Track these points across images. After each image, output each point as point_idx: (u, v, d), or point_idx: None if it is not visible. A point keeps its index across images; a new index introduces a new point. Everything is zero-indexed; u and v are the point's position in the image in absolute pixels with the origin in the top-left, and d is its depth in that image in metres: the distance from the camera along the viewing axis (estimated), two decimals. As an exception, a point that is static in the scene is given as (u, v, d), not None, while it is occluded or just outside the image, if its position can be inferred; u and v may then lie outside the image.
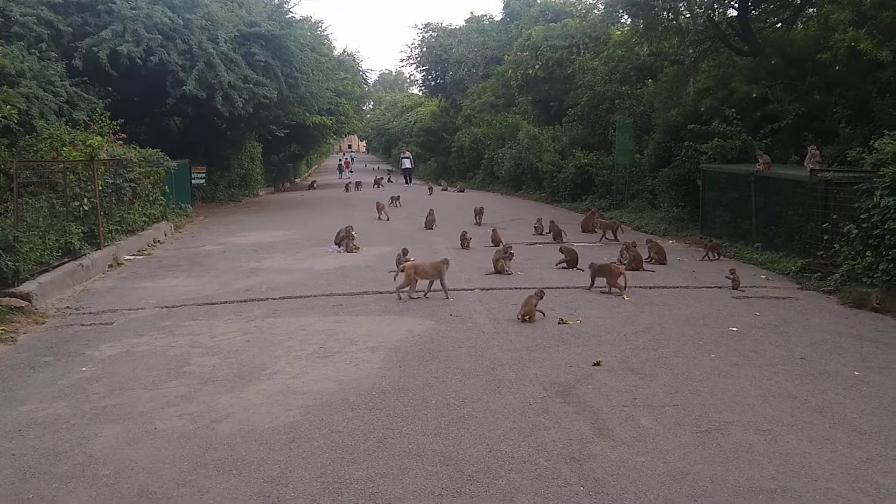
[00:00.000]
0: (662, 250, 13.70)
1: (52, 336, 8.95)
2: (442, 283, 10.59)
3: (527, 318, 9.08)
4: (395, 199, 25.12)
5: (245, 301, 10.62)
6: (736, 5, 18.91)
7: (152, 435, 5.74)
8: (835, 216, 11.81)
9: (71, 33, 20.01)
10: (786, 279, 12.09)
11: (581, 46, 33.48)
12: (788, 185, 13.89)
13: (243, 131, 30.41)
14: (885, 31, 14.33)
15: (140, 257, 14.95)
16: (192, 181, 24.87)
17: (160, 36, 20.47)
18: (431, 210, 19.54)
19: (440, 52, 49.73)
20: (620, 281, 10.83)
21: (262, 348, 8.13)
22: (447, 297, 10.43)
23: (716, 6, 20.04)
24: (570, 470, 4.96)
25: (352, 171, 63.68)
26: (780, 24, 21.02)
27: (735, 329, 8.74)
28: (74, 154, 13.47)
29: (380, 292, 11.01)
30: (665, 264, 13.25)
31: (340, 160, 67.24)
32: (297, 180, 51.70)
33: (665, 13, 20.31)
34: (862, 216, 10.92)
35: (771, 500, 4.52)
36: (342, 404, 6.32)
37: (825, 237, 12.01)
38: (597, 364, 7.30)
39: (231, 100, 21.76)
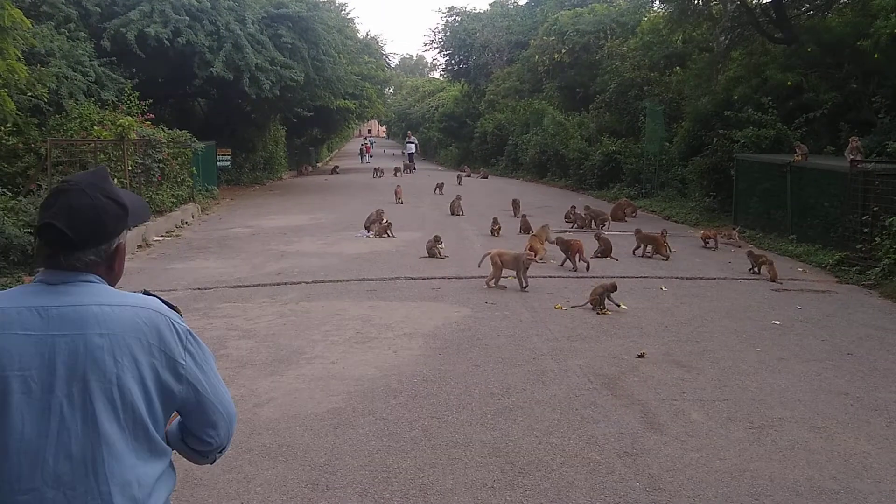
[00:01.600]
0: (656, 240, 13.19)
1: (85, 316, 8.89)
2: (522, 275, 10.10)
3: (592, 306, 8.96)
4: (439, 185, 24.49)
5: (278, 284, 10.55)
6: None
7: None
8: (875, 208, 11.59)
9: (99, 13, 19.98)
10: (823, 272, 11.89)
11: (608, 32, 33.13)
12: (825, 176, 13.66)
13: (268, 114, 30.35)
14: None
15: (169, 238, 14.92)
16: (218, 163, 24.82)
17: (187, 17, 20.40)
18: (458, 196, 19.40)
19: (464, 36, 49.37)
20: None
21: (298, 332, 8.05)
22: (523, 289, 10.17)
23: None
24: (623, 465, 4.84)
25: (371, 156, 63.55)
26: (813, 11, 20.66)
27: (778, 322, 8.57)
28: (105, 134, 13.44)
29: (412, 278, 10.91)
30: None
31: (361, 145, 67.07)
32: (318, 164, 51.59)
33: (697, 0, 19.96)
34: (908, 209, 10.71)
35: (834, 501, 4.39)
36: (384, 391, 6.22)
37: (864, 230, 11.78)
38: (641, 356, 7.17)
39: (258, 82, 21.66)
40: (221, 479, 4.68)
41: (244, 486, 4.60)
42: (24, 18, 11.30)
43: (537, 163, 32.76)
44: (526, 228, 15.12)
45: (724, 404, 5.95)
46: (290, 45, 22.73)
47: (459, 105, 53.38)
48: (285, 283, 10.60)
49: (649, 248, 12.88)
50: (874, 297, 10.17)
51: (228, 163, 26.54)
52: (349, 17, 30.90)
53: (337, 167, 40.38)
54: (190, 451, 2.26)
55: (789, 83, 16.98)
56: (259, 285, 10.50)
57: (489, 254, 10.38)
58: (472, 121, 47.93)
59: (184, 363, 2.05)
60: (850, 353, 7.40)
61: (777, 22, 19.36)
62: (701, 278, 11.17)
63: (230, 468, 4.82)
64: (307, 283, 10.65)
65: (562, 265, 11.99)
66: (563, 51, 34.42)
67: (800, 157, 14.00)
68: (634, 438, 5.26)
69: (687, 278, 11.10)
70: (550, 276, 11.08)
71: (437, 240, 12.67)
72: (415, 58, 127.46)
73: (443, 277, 10.92)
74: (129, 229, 2.21)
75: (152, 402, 1.99)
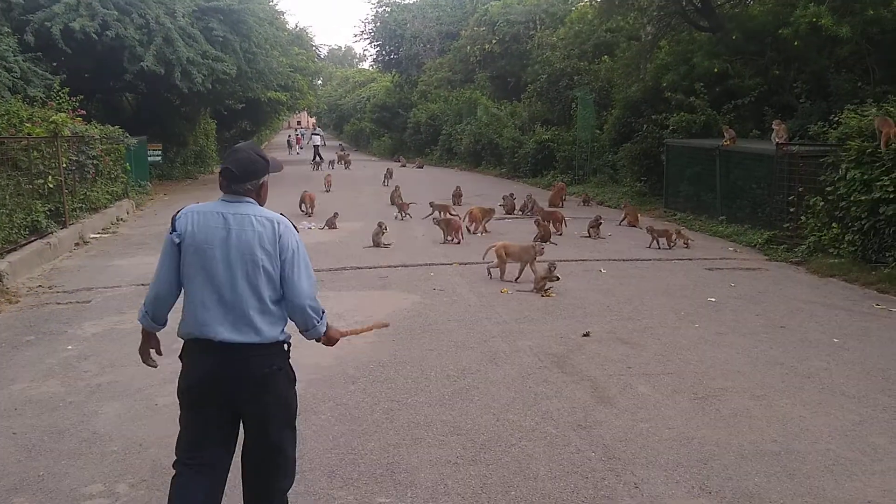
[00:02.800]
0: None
1: (29, 315, 8.79)
2: (533, 266, 9.85)
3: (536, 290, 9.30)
4: (388, 174, 24.67)
5: (223, 278, 10.52)
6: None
7: (154, 411, 5.72)
8: (800, 189, 12.13)
9: (22, 6, 19.44)
10: (753, 251, 12.40)
11: (538, 22, 33.56)
12: (752, 159, 14.21)
13: (198, 107, 29.99)
14: (844, 8, 14.65)
15: (106, 235, 14.70)
16: (149, 159, 24.41)
17: (116, 11, 19.99)
18: (398, 186, 19.51)
19: (394, 27, 49.30)
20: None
21: (249, 324, 8.10)
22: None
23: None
24: (579, 437, 5.08)
25: (301, 148, 63.19)
26: (736, 0, 21.30)
27: (713, 299, 8.96)
28: (38, 131, 13.16)
29: (358, 268, 11.03)
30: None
31: (289, 136, 66.69)
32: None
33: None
34: (828, 189, 11.23)
35: (776, 462, 4.69)
36: (342, 378, 6.36)
37: (791, 210, 12.33)
38: (586, 335, 7.44)
39: (190, 75, 21.39)
40: (190, 468, 4.75)
41: (213, 472, 4.68)
42: None
43: (472, 152, 33.08)
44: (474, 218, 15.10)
45: (669, 377, 6.25)
46: (221, 38, 22.49)
47: (391, 96, 53.38)
48: (231, 277, 10.58)
49: (663, 240, 13.02)
50: (802, 273, 10.68)
51: (160, 157, 26.13)
52: (278, 9, 30.61)
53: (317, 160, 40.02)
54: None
55: (716, 70, 17.54)
56: (204, 279, 10.46)
57: (494, 247, 10.33)
58: (404, 111, 48.02)
59: (288, 256, 3.44)
60: (783, 326, 7.81)
61: (702, 10, 19.93)
62: (637, 259, 11.54)
63: (197, 457, 4.90)
64: (253, 275, 10.65)
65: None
66: (494, 41, 34.75)
67: (728, 141, 14.51)
68: (587, 412, 5.51)
69: (624, 260, 11.47)
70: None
71: (381, 226, 12.80)
72: (343, 49, 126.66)
73: (389, 266, 11.06)
74: (269, 174, 3.58)
75: (272, 266, 3.42)
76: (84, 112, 16.80)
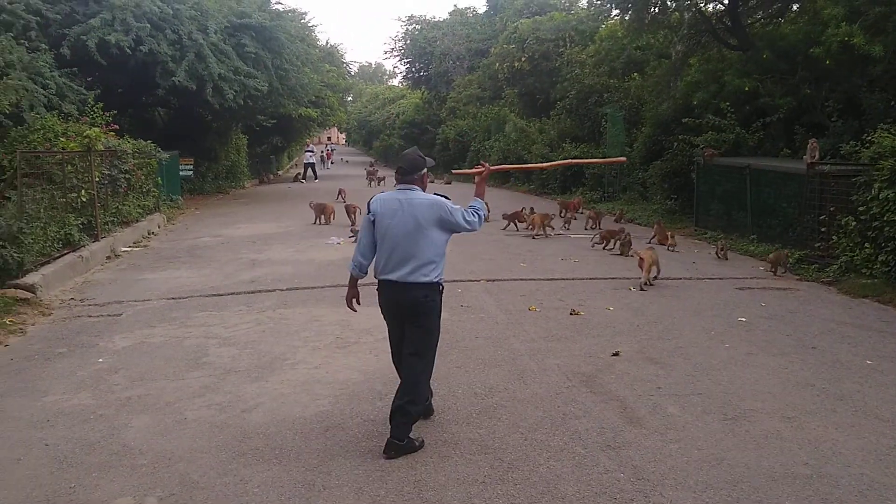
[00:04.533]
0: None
1: (61, 328, 8.90)
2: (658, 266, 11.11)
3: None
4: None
5: (253, 292, 10.61)
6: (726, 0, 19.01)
7: (183, 425, 5.75)
8: (832, 208, 11.99)
9: (59, 21, 19.77)
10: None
11: (568, 40, 33.58)
12: (782, 178, 14.09)
13: (229, 123, 30.23)
14: (877, 27, 14.52)
15: (137, 249, 14.87)
16: (181, 173, 24.67)
17: (149, 25, 20.27)
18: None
19: (424, 44, 49.62)
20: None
21: (278, 339, 8.15)
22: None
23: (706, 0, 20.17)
24: (607, 458, 5.04)
25: (332, 163, 63.70)
26: (766, 19, 21.17)
27: (744, 319, 8.87)
28: (72, 145, 13.37)
29: (386, 284, 11.03)
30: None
31: (322, 152, 67.17)
32: (279, 172, 51.32)
33: (654, 8, 20.35)
34: (860, 208, 11.11)
35: (808, 485, 4.62)
36: (370, 394, 6.37)
37: (822, 229, 12.19)
38: (615, 354, 7.40)
39: (222, 91, 21.59)
40: (218, 483, 4.78)
41: (242, 487, 4.71)
42: None
43: (500, 168, 33.00)
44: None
45: (698, 398, 6.19)
46: (253, 55, 22.68)
47: (420, 112, 53.65)
48: (260, 291, 10.67)
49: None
50: (833, 294, 10.54)
51: (191, 172, 26.42)
52: (310, 25, 30.84)
53: (300, 175, 40.26)
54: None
55: (746, 88, 17.42)
56: (234, 294, 10.55)
57: (642, 255, 11.00)
58: (433, 127, 48.21)
59: (447, 217, 5.22)
60: (815, 347, 7.70)
61: (732, 30, 19.85)
62: (667, 278, 11.44)
63: (225, 472, 4.93)
64: (282, 290, 10.73)
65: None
66: (524, 58, 34.81)
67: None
68: (616, 432, 5.47)
69: (653, 278, 11.37)
70: (522, 279, 11.28)
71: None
72: (374, 66, 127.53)
73: (416, 283, 11.05)
74: (426, 169, 5.40)
75: (429, 229, 5.17)
76: (117, 127, 17.02)
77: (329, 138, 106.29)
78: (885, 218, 10.48)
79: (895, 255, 10.36)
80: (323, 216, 18.70)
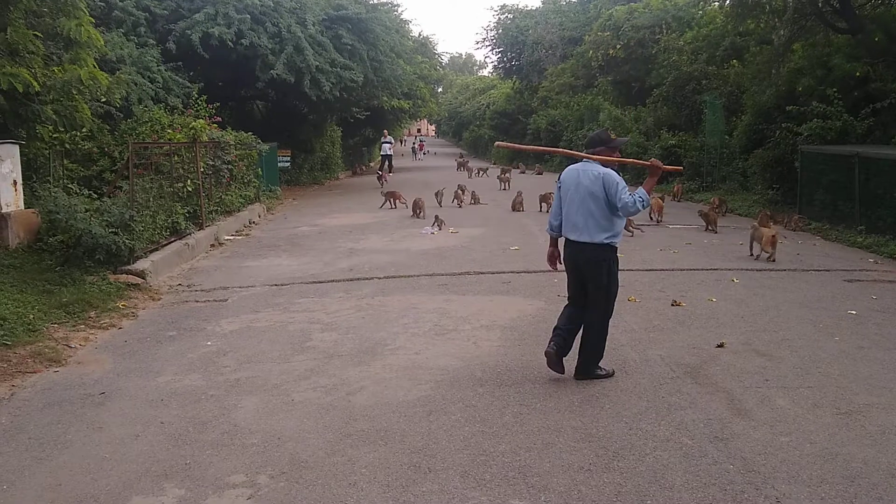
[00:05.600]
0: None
1: (170, 312, 9.23)
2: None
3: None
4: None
5: (351, 280, 10.79)
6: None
7: (291, 406, 5.90)
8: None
9: (165, 17, 20.49)
10: (892, 262, 11.76)
11: (665, 27, 32.89)
12: (890, 168, 13.50)
13: (325, 115, 30.73)
14: None
15: (239, 237, 15.29)
16: (278, 164, 25.26)
17: (250, 18, 20.79)
18: (519, 192, 19.49)
19: (516, 33, 49.43)
20: None
21: (378, 325, 8.27)
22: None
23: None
24: (716, 449, 4.94)
25: (425, 153, 64.28)
26: (879, 1, 20.28)
27: (854, 312, 8.53)
28: (178, 136, 13.84)
29: (481, 273, 11.07)
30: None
31: (414, 143, 67.92)
32: (370, 164, 52.04)
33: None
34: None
35: (932, 484, 4.43)
36: (470, 380, 6.39)
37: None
38: (720, 346, 7.23)
39: (319, 84, 21.95)
40: (327, 462, 4.89)
41: (349, 467, 4.80)
42: (98, 35, 11.67)
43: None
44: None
45: (808, 391, 6.00)
46: (349, 47, 22.99)
47: (511, 102, 53.47)
48: (358, 279, 10.84)
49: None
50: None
51: (288, 163, 27.00)
52: (404, 17, 31.14)
53: (379, 172, 40.62)
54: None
55: (858, 73, 16.73)
56: (333, 281, 10.76)
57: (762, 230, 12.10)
58: (524, 117, 47.99)
59: (607, 190, 5.95)
60: (934, 342, 7.37)
61: (841, 11, 19.08)
62: (771, 270, 11.11)
63: (333, 451, 5.04)
64: (379, 278, 10.88)
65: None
66: (618, 46, 34.27)
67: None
68: (723, 424, 5.35)
69: (757, 270, 11.07)
70: (627, 270, 11.11)
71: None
72: (464, 56, 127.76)
73: (512, 272, 11.06)
74: (605, 146, 6.23)
75: (600, 196, 5.98)
76: (220, 119, 17.54)
77: (419, 130, 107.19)
78: None
79: None
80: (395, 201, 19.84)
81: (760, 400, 5.81)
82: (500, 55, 52.36)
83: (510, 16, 50.85)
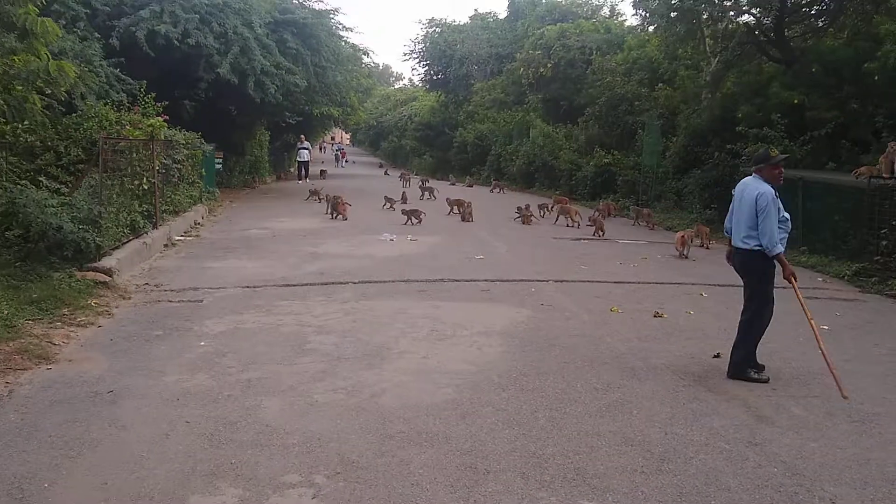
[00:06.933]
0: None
1: (147, 311, 8.97)
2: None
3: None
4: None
5: (326, 284, 10.69)
6: (775, 13, 19.11)
7: (317, 407, 5.83)
8: (894, 222, 12.10)
9: (107, 13, 19.86)
10: (842, 282, 12.36)
11: (594, 49, 33.74)
12: (834, 191, 14.20)
13: (255, 119, 30.23)
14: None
15: (189, 238, 14.93)
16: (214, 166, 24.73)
17: (198, 17, 20.35)
18: (469, 203, 19.67)
19: (444, 47, 49.71)
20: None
21: (373, 329, 8.23)
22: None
23: (755, 12, 20.24)
24: (754, 453, 5.12)
25: (347, 161, 63.87)
26: (809, 33, 21.34)
27: (826, 327, 8.92)
28: (136, 133, 13.44)
29: (455, 280, 11.14)
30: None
31: (336, 151, 67.47)
32: (291, 169, 51.33)
33: (708, 19, 20.48)
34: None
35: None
36: (489, 384, 6.44)
37: (883, 242, 12.29)
38: (717, 356, 7.48)
39: (263, 86, 21.66)
40: (379, 463, 4.86)
41: (404, 468, 4.78)
42: (55, 26, 11.21)
43: (525, 173, 33.15)
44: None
45: (817, 400, 6.28)
46: (293, 51, 22.77)
47: (436, 115, 53.69)
48: (333, 283, 10.75)
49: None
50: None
51: (220, 166, 26.45)
52: (346, 24, 31.00)
53: (325, 171, 40.28)
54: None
55: (795, 101, 17.54)
56: (307, 284, 10.64)
57: (683, 234, 14.49)
58: (450, 130, 48.24)
59: (756, 207, 6.65)
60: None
61: (776, 43, 20.00)
62: (731, 285, 11.49)
63: (381, 452, 5.01)
64: (354, 283, 10.81)
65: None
66: (549, 65, 34.93)
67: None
68: (751, 430, 5.55)
69: (720, 285, 11.45)
70: (589, 281, 11.38)
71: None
72: (381, 66, 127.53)
73: (486, 280, 11.16)
74: (766, 164, 6.92)
75: (753, 211, 6.67)
76: (167, 117, 17.08)
77: (333, 138, 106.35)
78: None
79: (964, 270, 10.47)
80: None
81: (776, 408, 6.05)
82: (426, 68, 52.57)
83: (438, 30, 51.15)
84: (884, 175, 12.70)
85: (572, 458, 4.98)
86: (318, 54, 23.97)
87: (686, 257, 14.09)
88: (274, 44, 22.16)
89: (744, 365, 6.82)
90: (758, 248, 6.70)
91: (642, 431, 5.47)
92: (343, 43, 27.39)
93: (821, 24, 20.55)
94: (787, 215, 6.94)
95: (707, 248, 15.59)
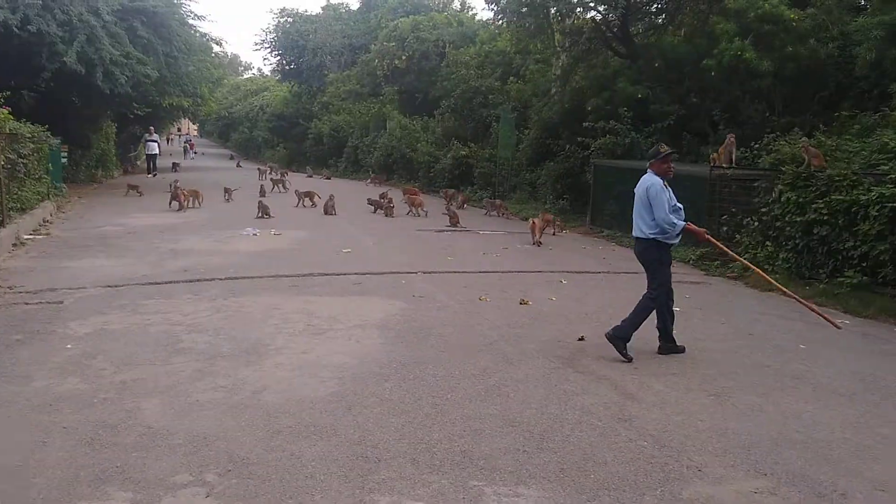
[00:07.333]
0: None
1: (2, 315, 8.53)
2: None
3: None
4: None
5: (191, 281, 10.48)
6: (621, 10, 20.05)
7: (200, 406, 5.78)
8: (733, 209, 13.05)
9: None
10: (688, 266, 13.23)
11: (447, 42, 34.26)
12: (682, 181, 15.09)
13: (100, 110, 28.91)
14: (764, 43, 15.85)
15: (39, 237, 14.21)
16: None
17: (40, 3, 19.23)
18: (332, 196, 19.63)
19: (296, 37, 49.06)
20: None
21: (246, 326, 8.18)
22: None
23: (602, 9, 21.13)
24: (624, 428, 5.51)
25: (196, 153, 62.00)
26: (651, 31, 22.50)
27: (678, 309, 9.54)
28: (-23, 126, 12.69)
29: (326, 274, 11.18)
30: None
31: (185, 143, 65.32)
32: (138, 162, 49.36)
33: (557, 14, 21.20)
34: (762, 210, 12.16)
35: (808, 449, 5.24)
36: (371, 375, 6.57)
37: (724, 228, 13.23)
38: (581, 339, 7.91)
39: (113, 77, 20.75)
40: (270, 458, 4.89)
41: (296, 462, 4.84)
42: None
43: (383, 165, 33.28)
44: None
45: (676, 377, 6.78)
46: (144, 40, 21.92)
47: (289, 105, 52.99)
48: (199, 280, 10.55)
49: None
50: (742, 287, 11.54)
51: (66, 160, 25.17)
52: (198, 13, 29.87)
53: (177, 164, 38.92)
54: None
55: (640, 95, 18.52)
56: (172, 282, 10.39)
57: (535, 221, 15.34)
58: (304, 121, 47.72)
59: (648, 198, 7.31)
60: (751, 334, 8.51)
61: (622, 39, 21.00)
62: (587, 272, 12.14)
63: (271, 448, 5.05)
64: (221, 279, 10.65)
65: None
66: (404, 57, 35.20)
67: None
68: (620, 407, 5.95)
69: (576, 272, 12.05)
70: (456, 272, 11.69)
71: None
72: (230, 56, 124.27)
73: (357, 273, 11.26)
74: (655, 160, 7.61)
75: (645, 203, 7.35)
76: (9, 108, 16.14)
77: (179, 129, 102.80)
78: (786, 218, 11.54)
79: (795, 252, 11.43)
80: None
81: (640, 386, 6.50)
82: (279, 58, 51.70)
83: (290, 19, 50.38)
84: (723, 165, 13.68)
85: (458, 442, 5.19)
86: (169, 44, 23.19)
87: (540, 244, 14.71)
88: (124, 32, 21.24)
89: (622, 339, 7.29)
90: (652, 236, 7.31)
91: (521, 413, 5.75)
92: (194, 32, 26.56)
93: (661, 21, 21.67)
94: (679, 206, 7.51)
95: (555, 234, 16.49)
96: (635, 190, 7.56)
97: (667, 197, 7.32)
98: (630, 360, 7.19)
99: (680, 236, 7.59)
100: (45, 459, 4.85)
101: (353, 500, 4.37)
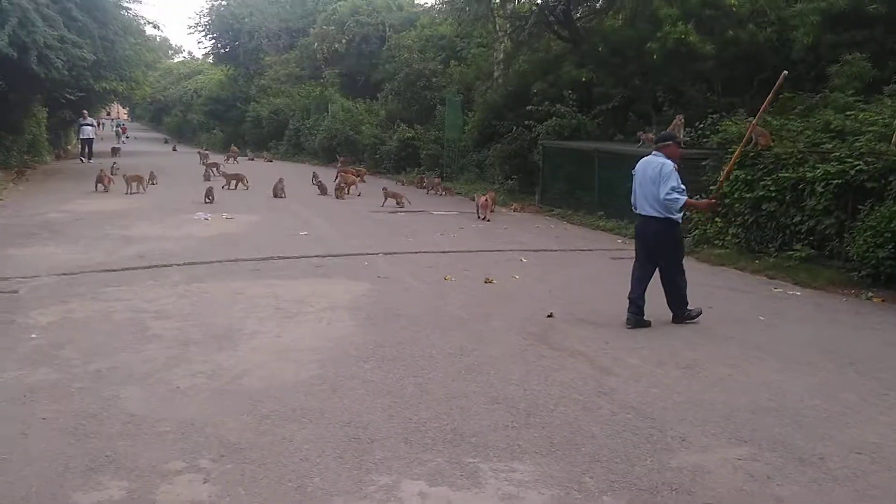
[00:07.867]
0: None
1: (-45, 306, 8.30)
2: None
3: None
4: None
5: (149, 267, 10.31)
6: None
7: (182, 393, 5.74)
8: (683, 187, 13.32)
9: None
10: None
11: (387, 26, 34.13)
12: (627, 160, 15.39)
13: (29, 95, 27.93)
14: (706, 27, 16.22)
15: (-24, 225, 13.77)
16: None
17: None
18: (281, 178, 19.41)
19: (231, 20, 48.13)
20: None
21: (215, 311, 8.10)
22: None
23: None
24: (607, 402, 5.64)
25: (128, 137, 60.62)
26: (591, 15, 22.78)
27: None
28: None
29: (286, 257, 11.12)
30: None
31: (116, 127, 63.78)
32: (68, 147, 47.96)
33: (499, 0, 21.32)
34: (711, 188, 12.45)
35: (782, 416, 5.45)
36: (350, 357, 6.59)
37: (673, 206, 13.51)
38: (550, 316, 8.05)
39: (48, 61, 20.06)
40: (261, 442, 4.89)
41: (289, 445, 4.84)
42: None
43: (326, 147, 32.97)
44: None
45: (648, 351, 6.96)
46: (79, 23, 21.24)
47: (225, 89, 52.04)
48: (157, 266, 10.39)
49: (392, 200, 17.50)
50: (694, 262, 11.71)
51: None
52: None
53: (117, 148, 37.86)
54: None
55: (584, 78, 18.77)
56: (130, 269, 10.21)
57: (481, 198, 16.01)
58: (242, 104, 46.97)
59: (663, 176, 7.66)
60: (711, 307, 8.68)
61: (565, 23, 21.20)
62: (547, 250, 12.33)
63: (261, 432, 5.04)
64: (179, 265, 10.50)
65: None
66: (343, 41, 34.93)
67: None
68: (598, 381, 6.09)
69: (535, 251, 12.21)
70: (416, 252, 11.74)
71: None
72: (159, 39, 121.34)
73: (317, 256, 11.23)
74: (670, 143, 8.03)
75: (657, 183, 7.64)
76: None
77: (108, 113, 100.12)
78: (735, 195, 11.86)
79: (745, 228, 11.78)
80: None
81: (614, 360, 6.66)
82: (213, 41, 50.68)
83: (224, 2, 49.36)
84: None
85: (447, 420, 5.26)
86: (105, 27, 22.51)
87: (488, 220, 15.23)
88: (58, 15, 20.52)
89: (682, 312, 7.94)
90: (671, 217, 7.72)
91: (503, 390, 5.84)
92: (131, 14, 25.90)
93: (599, 5, 21.96)
94: (683, 187, 7.75)
95: (492, 211, 16.45)
96: (637, 171, 7.94)
97: (678, 179, 7.67)
98: (700, 314, 8.07)
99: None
100: (30, 451, 4.76)
101: (353, 481, 4.40)
